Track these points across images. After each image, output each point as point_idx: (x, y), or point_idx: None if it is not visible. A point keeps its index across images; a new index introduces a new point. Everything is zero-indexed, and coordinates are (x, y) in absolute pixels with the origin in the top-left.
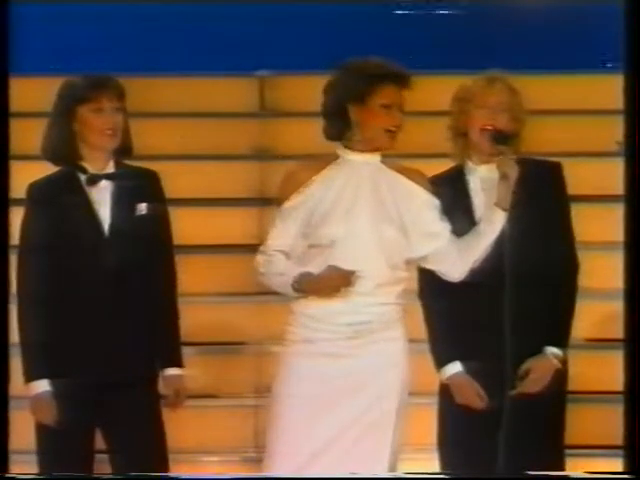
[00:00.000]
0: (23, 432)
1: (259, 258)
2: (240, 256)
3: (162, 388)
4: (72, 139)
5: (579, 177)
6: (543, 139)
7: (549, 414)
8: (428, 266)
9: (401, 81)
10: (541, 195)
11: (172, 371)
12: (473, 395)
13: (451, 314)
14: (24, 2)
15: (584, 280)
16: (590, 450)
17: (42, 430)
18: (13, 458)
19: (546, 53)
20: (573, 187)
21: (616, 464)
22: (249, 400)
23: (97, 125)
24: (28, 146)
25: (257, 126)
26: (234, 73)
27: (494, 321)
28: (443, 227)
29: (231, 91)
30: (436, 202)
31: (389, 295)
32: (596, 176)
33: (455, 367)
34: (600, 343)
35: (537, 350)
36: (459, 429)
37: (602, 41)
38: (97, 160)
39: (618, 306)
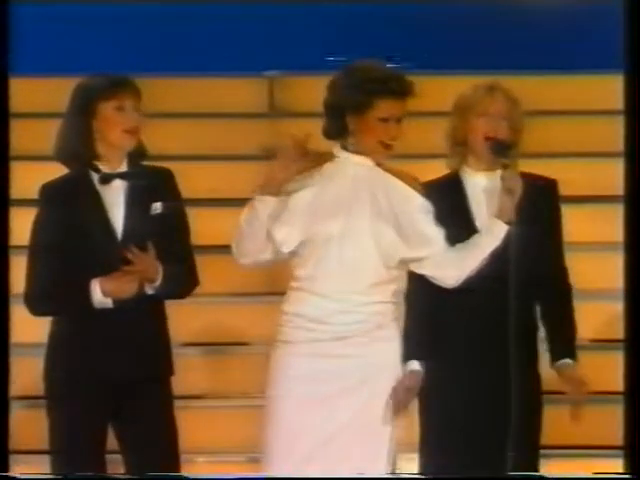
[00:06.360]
0: (23, 432)
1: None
2: None
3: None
4: (90, 137)
5: (579, 177)
6: (543, 139)
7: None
8: (423, 271)
9: (402, 92)
10: (538, 210)
11: None
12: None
13: (432, 314)
14: (24, 2)
15: (584, 281)
16: (590, 450)
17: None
18: (13, 458)
19: (546, 53)
20: (574, 187)
21: (616, 464)
22: (250, 400)
23: (118, 123)
24: (28, 146)
25: (266, 126)
26: (243, 73)
27: (478, 325)
28: (437, 232)
29: (240, 91)
30: (430, 207)
31: (384, 294)
32: (596, 176)
33: (413, 365)
34: (600, 343)
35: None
36: (438, 431)
37: (602, 41)
38: (112, 161)
39: (618, 306)
